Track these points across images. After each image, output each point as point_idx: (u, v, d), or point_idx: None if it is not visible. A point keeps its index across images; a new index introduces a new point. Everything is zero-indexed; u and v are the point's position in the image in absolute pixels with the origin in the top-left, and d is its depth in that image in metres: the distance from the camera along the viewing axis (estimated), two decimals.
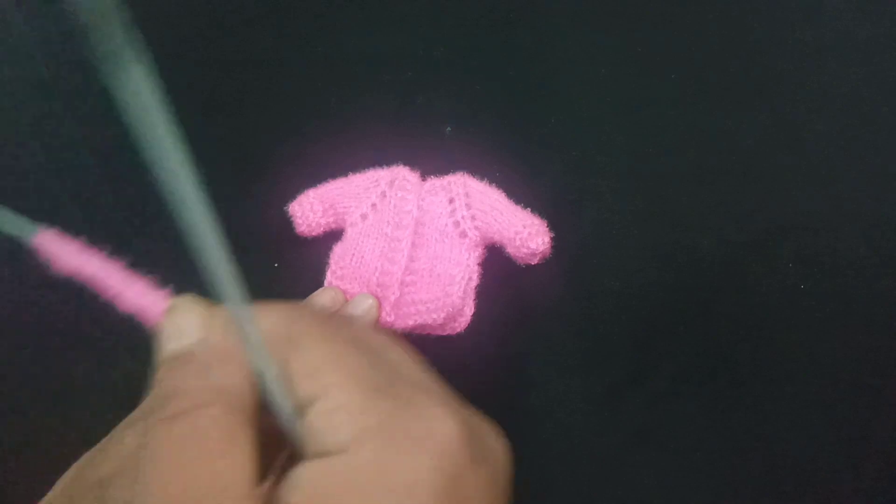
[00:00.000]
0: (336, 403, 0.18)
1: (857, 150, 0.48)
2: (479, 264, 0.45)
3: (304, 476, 0.17)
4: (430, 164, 0.49)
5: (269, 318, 0.21)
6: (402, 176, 0.47)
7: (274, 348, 0.19)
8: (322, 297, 0.43)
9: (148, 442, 0.18)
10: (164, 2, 0.64)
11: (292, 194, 0.48)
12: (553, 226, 0.44)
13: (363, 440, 0.17)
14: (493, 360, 0.43)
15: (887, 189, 0.46)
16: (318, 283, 0.46)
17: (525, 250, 0.43)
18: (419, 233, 0.46)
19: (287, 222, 0.47)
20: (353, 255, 0.45)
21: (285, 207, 0.47)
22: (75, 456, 0.21)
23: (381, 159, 0.49)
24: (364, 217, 0.47)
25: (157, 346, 0.21)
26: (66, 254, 0.26)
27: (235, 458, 0.17)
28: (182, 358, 0.20)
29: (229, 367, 0.20)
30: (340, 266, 0.45)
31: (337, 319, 0.24)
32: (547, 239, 0.43)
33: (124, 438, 0.19)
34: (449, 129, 0.52)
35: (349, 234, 0.46)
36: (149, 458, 0.17)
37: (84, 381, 0.45)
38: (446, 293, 0.43)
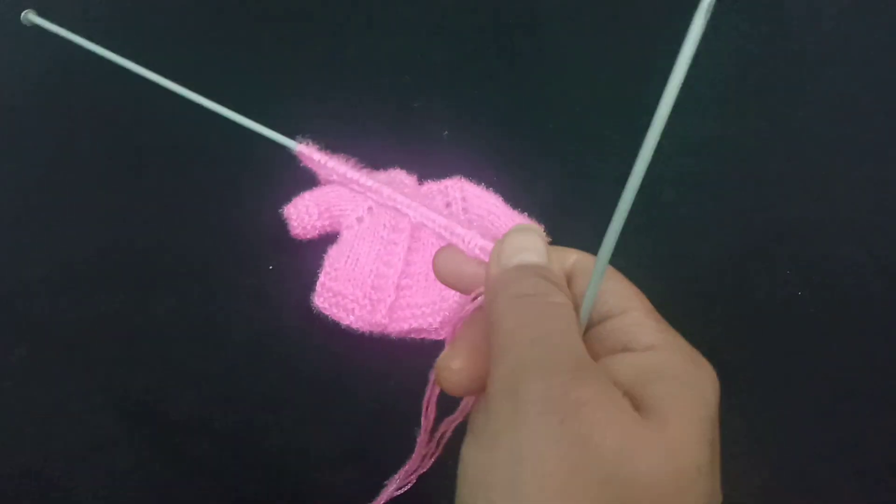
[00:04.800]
0: (639, 319, 0.25)
1: (855, 157, 0.48)
2: None
3: (627, 361, 0.23)
4: (428, 167, 0.48)
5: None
6: (399, 179, 0.47)
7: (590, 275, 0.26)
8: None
9: (503, 307, 0.24)
10: (164, 3, 0.64)
11: (288, 197, 0.47)
12: (550, 231, 0.44)
13: (665, 346, 0.24)
14: None
15: (885, 196, 0.46)
16: (312, 285, 0.45)
17: None
18: (415, 237, 0.46)
19: (282, 225, 0.47)
20: (348, 257, 0.45)
21: (281, 210, 0.47)
22: None
23: (379, 162, 0.48)
24: (360, 220, 0.46)
25: (501, 249, 0.26)
26: (321, 159, 0.31)
27: (578, 335, 0.23)
28: (535, 268, 0.26)
29: (563, 286, 0.26)
30: (335, 268, 0.45)
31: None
32: None
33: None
34: (446, 133, 0.52)
35: (345, 236, 0.46)
36: (503, 316, 0.24)
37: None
38: (442, 297, 0.43)
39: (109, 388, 0.44)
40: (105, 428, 0.42)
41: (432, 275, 0.44)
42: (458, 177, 0.47)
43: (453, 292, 0.43)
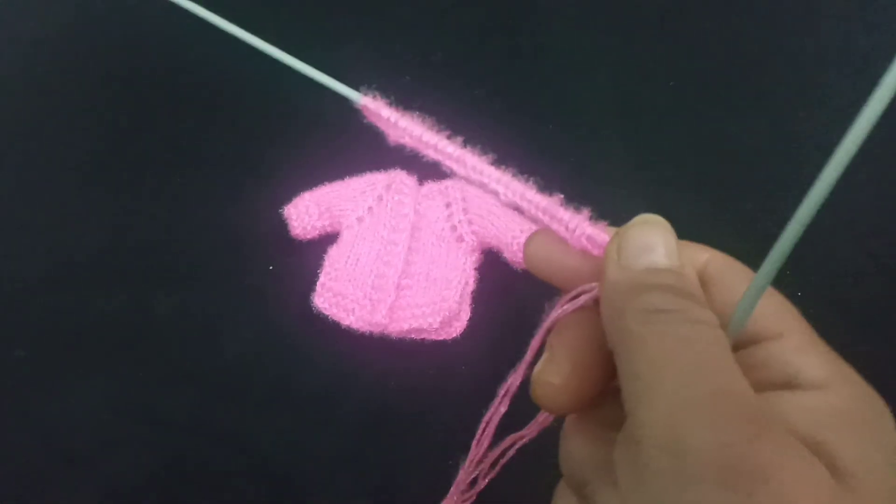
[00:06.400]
0: (801, 345, 0.20)
1: (854, 159, 0.48)
2: (475, 269, 0.45)
3: (795, 402, 0.19)
4: (428, 168, 0.48)
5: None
6: (399, 180, 0.47)
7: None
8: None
9: (636, 326, 0.19)
10: (162, 5, 0.64)
11: (288, 197, 0.47)
12: None
13: (841, 384, 0.19)
14: (488, 364, 0.42)
15: (884, 197, 0.46)
16: (312, 285, 0.45)
17: (522, 255, 0.43)
18: (416, 237, 0.46)
19: (282, 225, 0.47)
20: (349, 257, 0.45)
21: (281, 210, 0.47)
22: None
23: (379, 163, 0.49)
24: (360, 220, 0.47)
25: (622, 245, 0.22)
26: (391, 116, 0.25)
27: (739, 371, 0.18)
28: (670, 274, 0.21)
29: (704, 299, 0.21)
30: (335, 268, 0.45)
31: None
32: None
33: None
34: (447, 134, 0.52)
35: (345, 236, 0.46)
36: (641, 339, 0.19)
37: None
38: (442, 297, 0.43)
39: (109, 388, 0.44)
40: (105, 428, 0.42)
41: (432, 275, 0.45)
42: (459, 177, 0.47)
43: (454, 293, 0.43)
